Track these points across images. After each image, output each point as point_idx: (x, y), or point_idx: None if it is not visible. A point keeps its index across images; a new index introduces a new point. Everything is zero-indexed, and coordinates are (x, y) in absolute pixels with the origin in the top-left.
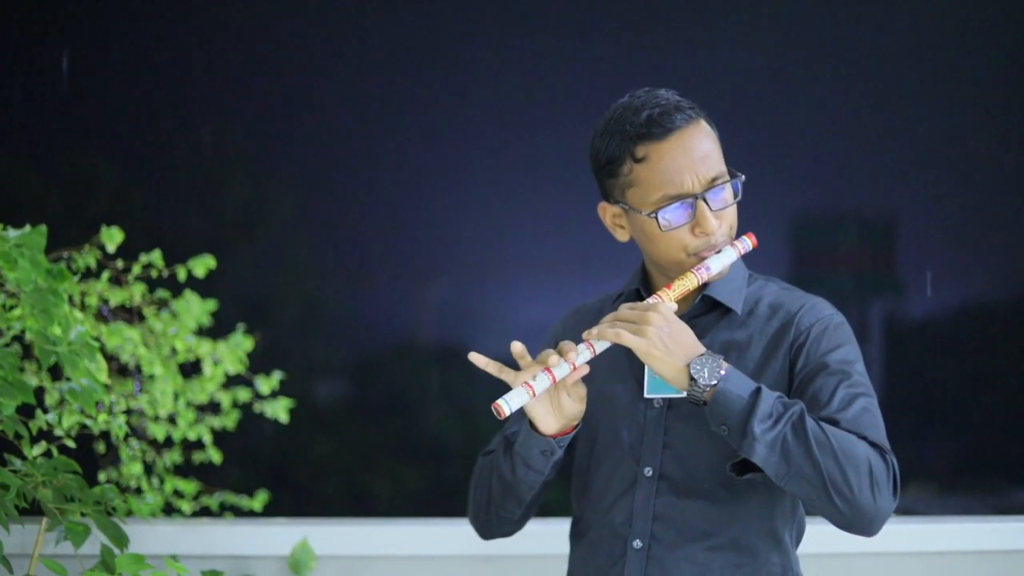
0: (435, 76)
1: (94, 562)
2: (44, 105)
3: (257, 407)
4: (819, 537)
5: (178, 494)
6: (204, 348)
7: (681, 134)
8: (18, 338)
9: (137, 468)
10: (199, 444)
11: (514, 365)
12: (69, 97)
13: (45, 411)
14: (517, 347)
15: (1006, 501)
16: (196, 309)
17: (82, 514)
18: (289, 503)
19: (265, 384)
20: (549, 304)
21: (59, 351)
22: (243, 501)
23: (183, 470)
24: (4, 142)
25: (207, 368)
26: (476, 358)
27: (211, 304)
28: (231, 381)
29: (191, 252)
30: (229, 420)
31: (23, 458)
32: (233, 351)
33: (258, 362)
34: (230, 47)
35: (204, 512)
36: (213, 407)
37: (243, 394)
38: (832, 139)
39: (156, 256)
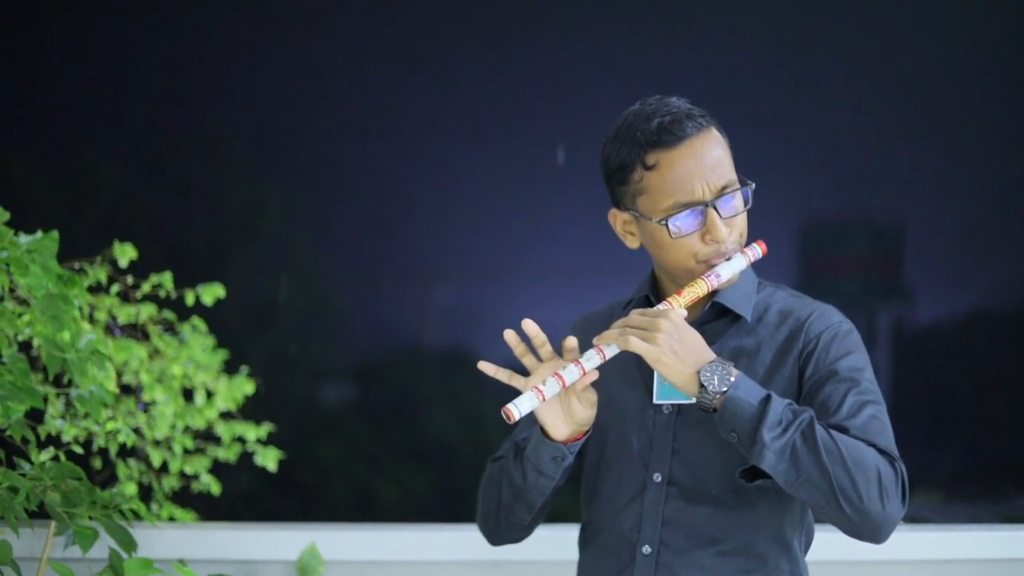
0: (442, 80)
1: (102, 566)
2: (50, 111)
3: (250, 447)
4: (827, 544)
5: (173, 520)
6: (201, 377)
7: (692, 142)
8: (27, 344)
9: (132, 488)
10: (202, 471)
11: (522, 370)
12: (75, 103)
13: (53, 417)
14: (510, 334)
15: (1013, 509)
16: (199, 345)
17: (90, 518)
18: (297, 508)
19: (252, 432)
20: (557, 310)
21: (68, 357)
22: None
23: (180, 496)
24: (11, 148)
25: (199, 398)
26: (485, 367)
27: (214, 353)
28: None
29: (197, 257)
30: (231, 453)
31: (30, 462)
32: (231, 391)
33: (264, 366)
34: (238, 52)
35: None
36: (213, 435)
37: (239, 428)
38: (840, 146)
39: (167, 278)
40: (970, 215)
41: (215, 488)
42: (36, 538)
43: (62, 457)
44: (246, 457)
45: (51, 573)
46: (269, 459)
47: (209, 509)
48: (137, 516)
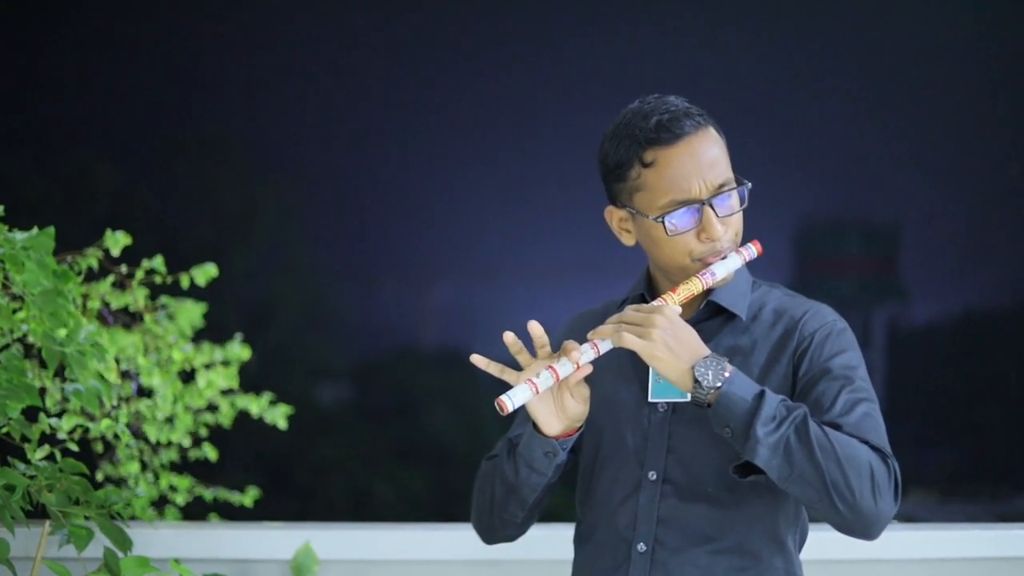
0: (439, 80)
1: (97, 565)
2: (45, 108)
3: (257, 412)
4: (821, 543)
5: (173, 488)
6: (200, 359)
7: (690, 140)
8: (21, 340)
9: (135, 467)
10: (196, 443)
11: (515, 366)
12: (70, 100)
13: (48, 414)
14: (509, 336)
15: (1008, 508)
16: (191, 312)
17: (86, 517)
18: (292, 507)
19: (254, 404)
20: (553, 309)
21: (67, 352)
22: (235, 496)
23: (180, 468)
24: (4, 145)
25: (201, 380)
26: (477, 360)
27: (202, 307)
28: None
29: (192, 255)
30: (225, 418)
31: (26, 462)
32: (228, 369)
33: (260, 365)
34: (233, 49)
35: (198, 503)
36: (212, 408)
37: (240, 401)
38: (837, 146)
39: (159, 262)
40: (966, 215)
41: (212, 454)
42: (31, 537)
43: (58, 455)
44: (247, 455)
45: (46, 572)
46: (279, 417)
47: (205, 476)
48: (133, 515)
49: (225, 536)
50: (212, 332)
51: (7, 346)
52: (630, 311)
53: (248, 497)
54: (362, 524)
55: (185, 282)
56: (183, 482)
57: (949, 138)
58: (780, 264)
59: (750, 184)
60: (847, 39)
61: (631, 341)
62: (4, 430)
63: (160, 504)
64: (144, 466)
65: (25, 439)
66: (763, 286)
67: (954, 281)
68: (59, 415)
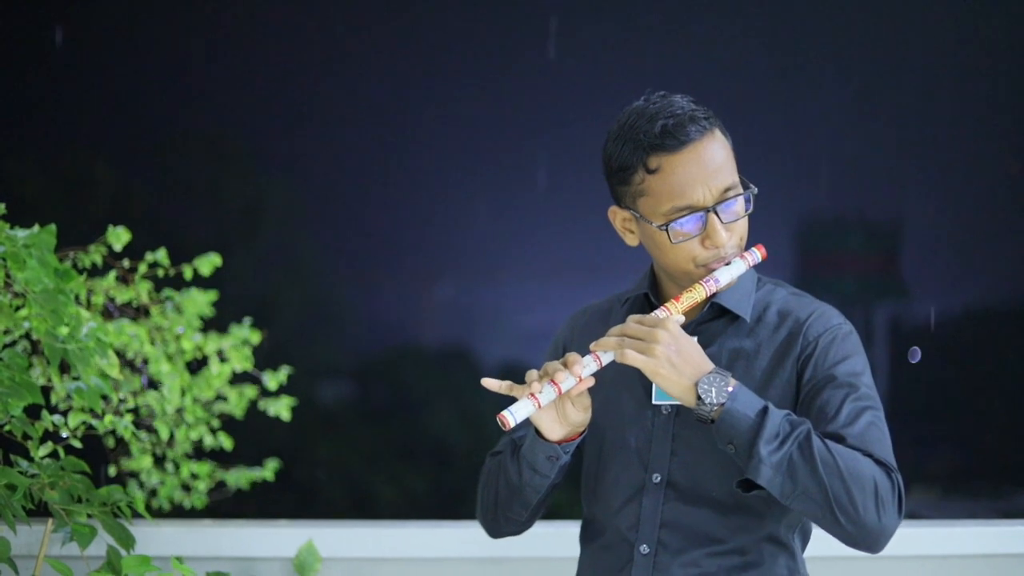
0: (441, 78)
1: (100, 563)
2: (46, 106)
3: (262, 404)
4: (824, 541)
5: (194, 476)
6: (211, 346)
7: (695, 146)
8: (25, 337)
9: (147, 461)
10: (210, 433)
11: (523, 382)
12: (71, 97)
13: (51, 411)
14: (491, 384)
15: (1010, 505)
16: (198, 301)
17: (88, 515)
18: (294, 505)
19: (272, 380)
20: (555, 307)
21: (69, 349)
22: (256, 474)
23: (191, 459)
24: (6, 143)
25: (214, 367)
26: (489, 383)
27: (212, 295)
28: (238, 377)
29: (194, 254)
30: (238, 409)
31: (29, 459)
32: (239, 349)
33: (263, 363)
34: (234, 47)
35: (220, 487)
36: (221, 399)
37: (250, 391)
38: (838, 144)
39: (162, 255)
40: (968, 212)
41: (228, 444)
42: (33, 535)
43: (61, 453)
44: (249, 454)
45: (48, 570)
46: (283, 408)
47: (225, 463)
48: (136, 513)
49: (228, 534)
50: (216, 328)
51: (12, 343)
52: (632, 323)
53: (269, 470)
54: (364, 522)
55: (188, 274)
56: (203, 468)
57: (951, 136)
58: (781, 262)
59: (756, 189)
60: (848, 36)
61: (633, 357)
62: (6, 428)
63: (185, 490)
64: (157, 459)
65: (27, 437)
66: (768, 284)
67: (956, 278)
68: (65, 412)
